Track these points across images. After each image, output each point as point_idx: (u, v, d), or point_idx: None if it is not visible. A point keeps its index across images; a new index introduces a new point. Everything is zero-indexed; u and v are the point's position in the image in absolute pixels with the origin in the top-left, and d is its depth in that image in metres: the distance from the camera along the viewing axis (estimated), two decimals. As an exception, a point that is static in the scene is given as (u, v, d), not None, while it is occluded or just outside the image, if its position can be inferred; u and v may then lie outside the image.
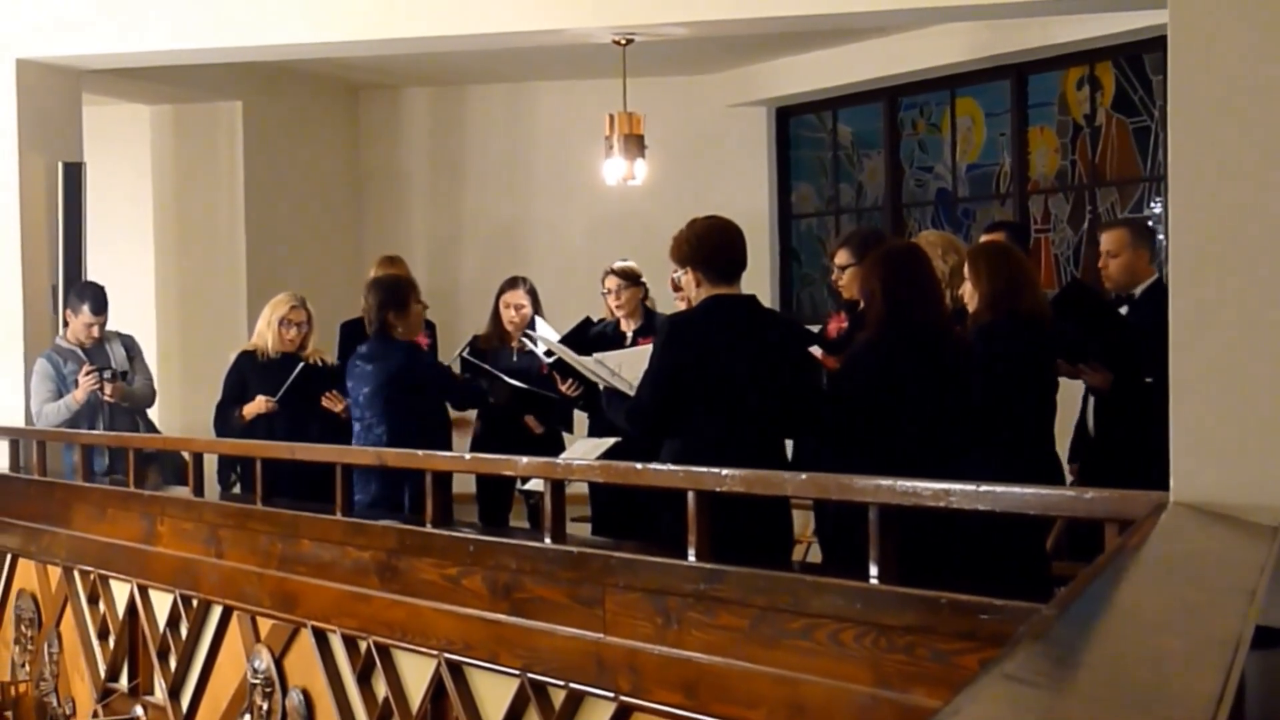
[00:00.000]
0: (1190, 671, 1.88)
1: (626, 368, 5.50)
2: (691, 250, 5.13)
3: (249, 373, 7.42)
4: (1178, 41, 3.25)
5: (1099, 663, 1.94)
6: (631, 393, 5.28)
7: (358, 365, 6.65)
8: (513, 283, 7.68)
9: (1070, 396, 6.13)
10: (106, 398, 7.90)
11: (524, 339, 7.19)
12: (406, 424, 6.53)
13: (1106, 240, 6.44)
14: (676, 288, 6.55)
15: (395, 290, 6.72)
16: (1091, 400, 6.33)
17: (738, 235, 5.22)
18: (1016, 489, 3.83)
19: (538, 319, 7.36)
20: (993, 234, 6.85)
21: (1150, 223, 8.97)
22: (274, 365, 7.36)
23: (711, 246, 5.12)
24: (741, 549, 4.59)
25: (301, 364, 7.32)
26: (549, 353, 6.69)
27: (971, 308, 5.52)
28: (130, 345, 8.30)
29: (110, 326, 8.21)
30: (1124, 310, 6.32)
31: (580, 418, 7.46)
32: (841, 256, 6.30)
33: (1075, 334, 5.97)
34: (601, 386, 5.63)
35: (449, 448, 6.95)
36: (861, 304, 5.68)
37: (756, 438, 5.00)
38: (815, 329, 6.46)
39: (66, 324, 8.22)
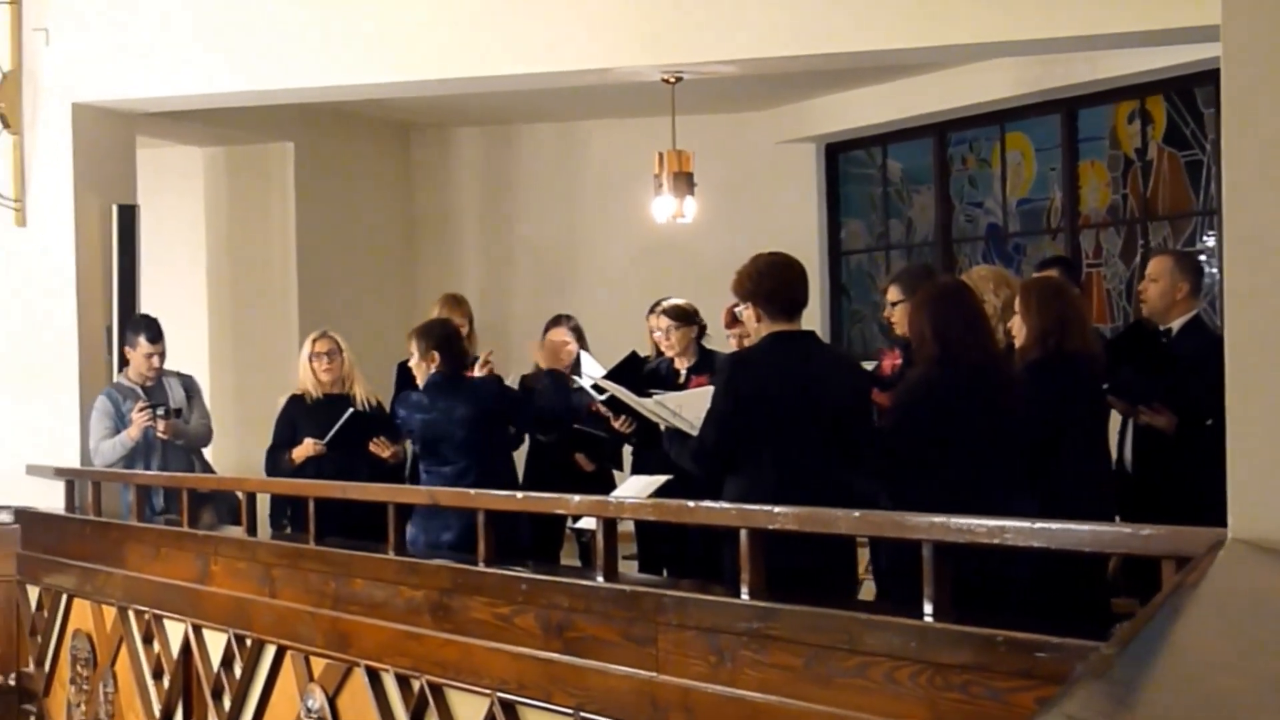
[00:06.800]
0: (1251, 712, 1.85)
1: (687, 408, 5.50)
2: (753, 286, 5.16)
3: (298, 416, 7.46)
4: (1231, 74, 3.22)
5: (1158, 702, 1.92)
6: (694, 433, 5.29)
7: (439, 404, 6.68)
8: (557, 321, 7.70)
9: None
10: (160, 434, 7.96)
11: (574, 378, 7.18)
12: (498, 459, 6.83)
13: (1151, 266, 6.51)
14: (733, 322, 6.55)
15: (447, 329, 6.94)
16: (1130, 439, 6.28)
17: (799, 272, 5.24)
18: (1072, 525, 3.80)
19: (583, 354, 7.35)
20: (1045, 271, 6.83)
21: (1204, 256, 8.91)
22: (322, 407, 7.38)
23: (772, 283, 5.15)
24: (805, 587, 4.58)
25: (351, 409, 7.32)
26: (598, 388, 6.67)
27: (1019, 342, 5.51)
28: (189, 385, 8.37)
29: (168, 366, 8.28)
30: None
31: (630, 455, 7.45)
32: (893, 293, 6.31)
33: (1134, 376, 5.93)
34: (663, 428, 5.62)
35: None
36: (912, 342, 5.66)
37: (817, 474, 5.00)
38: (869, 365, 6.44)
39: (126, 362, 8.29)
